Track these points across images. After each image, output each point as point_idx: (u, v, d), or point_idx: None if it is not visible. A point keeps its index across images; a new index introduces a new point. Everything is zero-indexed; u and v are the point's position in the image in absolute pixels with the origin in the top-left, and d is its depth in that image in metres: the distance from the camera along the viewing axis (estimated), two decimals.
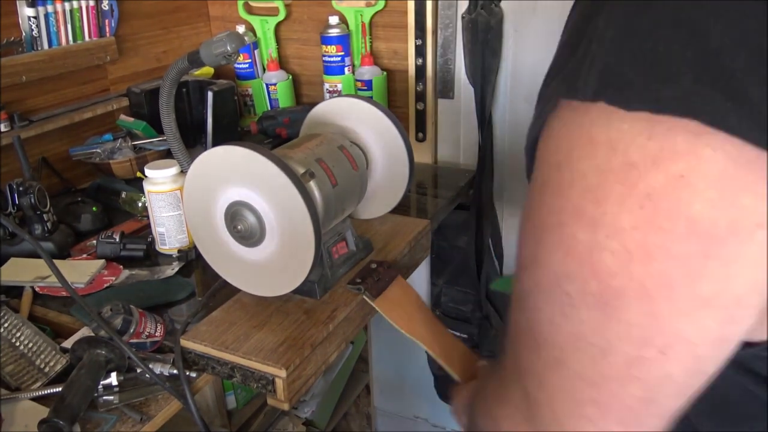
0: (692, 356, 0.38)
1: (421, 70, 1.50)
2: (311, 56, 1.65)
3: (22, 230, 1.00)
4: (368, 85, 1.53)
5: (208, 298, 0.98)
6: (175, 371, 0.84)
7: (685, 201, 0.34)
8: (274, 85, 1.63)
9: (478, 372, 0.83)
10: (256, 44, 1.66)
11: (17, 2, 1.29)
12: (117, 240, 1.12)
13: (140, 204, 1.29)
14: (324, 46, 1.54)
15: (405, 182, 1.11)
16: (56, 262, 0.93)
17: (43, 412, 0.76)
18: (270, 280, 0.91)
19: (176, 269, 1.10)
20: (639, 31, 0.36)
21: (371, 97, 1.41)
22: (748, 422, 0.48)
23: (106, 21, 1.46)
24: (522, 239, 0.44)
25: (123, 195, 1.32)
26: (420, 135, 1.57)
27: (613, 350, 0.38)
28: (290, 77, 1.66)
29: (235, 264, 0.92)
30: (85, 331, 0.92)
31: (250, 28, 1.67)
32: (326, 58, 1.55)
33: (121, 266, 1.10)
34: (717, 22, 0.33)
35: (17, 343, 0.90)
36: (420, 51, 1.48)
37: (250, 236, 0.88)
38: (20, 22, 1.31)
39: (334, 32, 1.52)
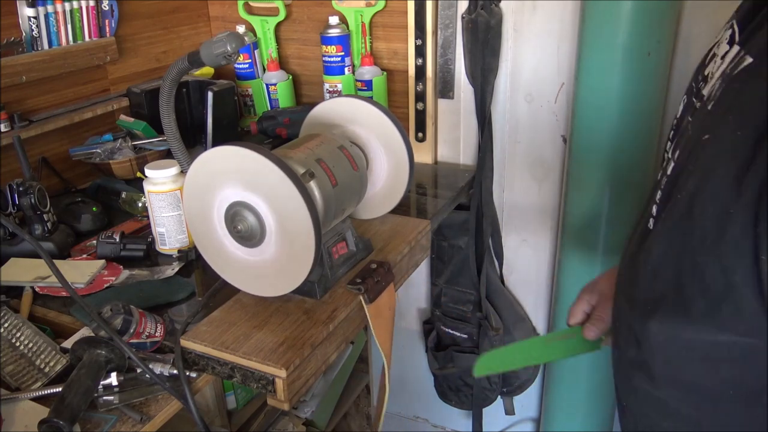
0: None
1: (421, 70, 1.50)
2: (311, 56, 1.65)
3: (22, 230, 0.99)
4: (368, 85, 1.53)
5: (208, 298, 0.98)
6: (175, 371, 0.84)
7: None
8: (274, 85, 1.63)
9: None
10: (256, 44, 1.66)
11: (17, 2, 1.29)
12: (117, 240, 1.12)
13: (140, 204, 1.29)
14: (324, 46, 1.53)
15: (405, 182, 1.11)
16: (56, 262, 0.93)
17: (43, 412, 0.76)
18: (270, 280, 0.91)
19: (176, 269, 1.10)
20: None
21: (371, 97, 1.41)
22: None
23: (106, 21, 1.46)
24: None
25: (123, 195, 1.32)
26: (420, 135, 1.57)
27: None
28: (290, 77, 1.66)
29: (235, 264, 0.92)
30: (85, 331, 0.93)
31: (250, 28, 1.67)
32: (326, 58, 1.55)
33: (121, 266, 1.10)
34: None
35: (17, 343, 0.90)
36: (420, 51, 1.48)
37: (250, 237, 0.88)
38: (20, 22, 1.31)
39: (334, 32, 1.52)
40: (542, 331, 1.69)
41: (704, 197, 0.50)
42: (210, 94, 1.41)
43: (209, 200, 0.90)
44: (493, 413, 1.81)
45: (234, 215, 0.88)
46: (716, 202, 0.48)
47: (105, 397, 0.82)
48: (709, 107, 0.56)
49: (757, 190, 0.44)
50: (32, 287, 1.04)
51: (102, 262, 1.10)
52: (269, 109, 1.66)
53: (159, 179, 1.10)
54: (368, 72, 1.53)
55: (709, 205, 0.49)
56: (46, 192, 1.17)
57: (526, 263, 1.64)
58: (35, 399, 0.82)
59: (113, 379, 0.83)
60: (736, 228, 0.46)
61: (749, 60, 0.52)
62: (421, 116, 1.55)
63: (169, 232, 1.12)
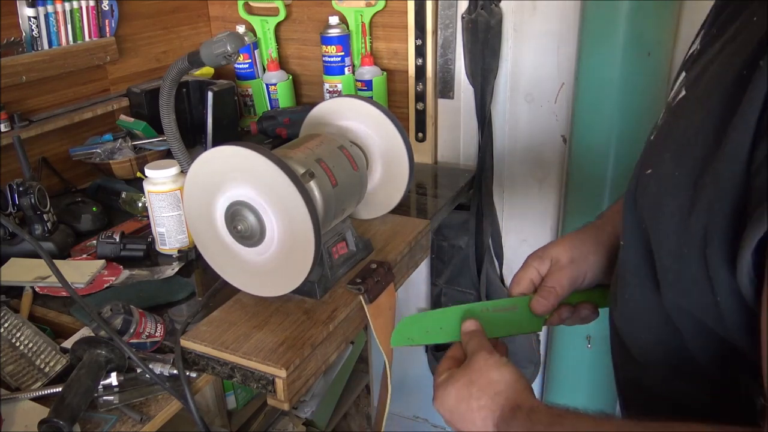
0: None
1: (421, 70, 1.50)
2: (311, 56, 1.65)
3: (22, 230, 1.00)
4: (368, 85, 1.53)
5: (208, 298, 0.98)
6: (175, 371, 0.84)
7: None
8: (274, 85, 1.63)
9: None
10: (256, 44, 1.66)
11: (17, 2, 1.29)
12: (117, 240, 1.12)
13: (140, 204, 1.29)
14: (324, 46, 1.53)
15: (405, 182, 1.11)
16: (56, 262, 0.93)
17: (43, 412, 0.76)
18: (270, 280, 0.91)
19: (176, 269, 1.10)
20: None
21: (371, 97, 1.41)
22: None
23: (106, 21, 1.46)
24: None
25: (123, 195, 1.32)
26: (420, 135, 1.57)
27: None
28: (290, 77, 1.66)
29: (235, 264, 0.92)
30: (85, 331, 0.92)
31: (250, 28, 1.67)
32: (326, 58, 1.55)
33: (121, 266, 1.10)
34: None
35: (17, 343, 0.90)
36: (420, 51, 1.48)
37: (250, 236, 0.88)
38: (20, 22, 1.31)
39: (334, 32, 1.52)
40: (542, 332, 1.69)
41: (658, 237, 0.52)
42: (210, 94, 1.41)
43: (209, 200, 0.90)
44: None
45: (234, 215, 0.88)
46: (669, 241, 0.51)
47: (105, 397, 0.82)
48: (652, 137, 0.59)
49: (703, 229, 0.46)
50: (32, 287, 1.04)
51: (102, 262, 1.10)
52: (269, 109, 1.66)
53: (159, 179, 1.10)
54: (368, 72, 1.53)
55: (663, 244, 0.52)
56: (46, 192, 1.17)
57: None
58: (35, 399, 0.82)
59: (113, 379, 0.83)
60: (691, 265, 0.48)
61: (683, 93, 0.55)
62: (421, 116, 1.55)
63: (169, 232, 1.12)
